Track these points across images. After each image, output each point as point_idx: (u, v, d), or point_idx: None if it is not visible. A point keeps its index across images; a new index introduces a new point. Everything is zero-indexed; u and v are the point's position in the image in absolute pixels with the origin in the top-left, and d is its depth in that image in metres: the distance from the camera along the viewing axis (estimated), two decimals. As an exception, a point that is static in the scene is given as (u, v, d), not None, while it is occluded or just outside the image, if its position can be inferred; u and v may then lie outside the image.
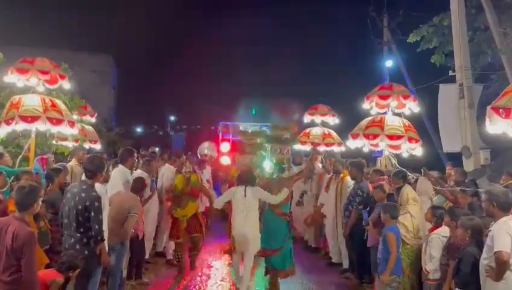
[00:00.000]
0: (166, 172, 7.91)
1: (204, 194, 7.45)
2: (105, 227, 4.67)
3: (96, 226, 4.41)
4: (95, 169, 4.60)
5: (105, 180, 5.02)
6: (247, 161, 12.00)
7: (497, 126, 4.13)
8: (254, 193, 6.17)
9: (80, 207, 4.42)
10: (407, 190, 5.45)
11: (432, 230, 4.88)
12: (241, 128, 13.58)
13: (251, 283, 6.37)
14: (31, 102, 6.76)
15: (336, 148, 10.61)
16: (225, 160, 12.32)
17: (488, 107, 4.14)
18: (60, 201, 5.02)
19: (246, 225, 6.07)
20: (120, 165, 6.04)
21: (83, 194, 4.46)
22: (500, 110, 4.05)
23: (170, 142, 29.54)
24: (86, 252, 4.45)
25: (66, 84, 7.33)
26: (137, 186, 5.80)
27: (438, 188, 6.04)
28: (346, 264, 7.36)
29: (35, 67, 6.92)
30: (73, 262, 4.28)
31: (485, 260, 3.91)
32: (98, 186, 4.72)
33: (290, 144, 10.30)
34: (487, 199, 4.01)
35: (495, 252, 3.74)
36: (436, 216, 4.87)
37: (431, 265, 4.73)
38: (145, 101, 28.29)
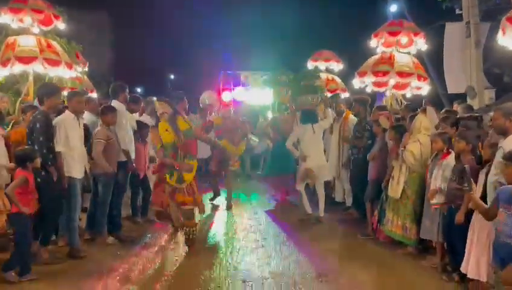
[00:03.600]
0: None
1: (204, 141, 6.36)
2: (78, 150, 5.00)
3: (36, 147, 4.56)
4: (42, 95, 4.80)
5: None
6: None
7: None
8: (319, 128, 7.01)
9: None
10: (421, 118, 5.35)
11: (443, 156, 4.78)
12: (242, 77, 13.34)
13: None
14: (27, 42, 6.67)
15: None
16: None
17: (503, 18, 3.95)
18: None
19: (320, 157, 6.99)
20: (114, 101, 5.93)
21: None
22: (517, 19, 3.84)
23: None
24: (39, 179, 4.54)
25: (61, 25, 7.14)
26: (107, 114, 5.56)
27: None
28: (349, 203, 7.40)
29: (28, 6, 6.75)
30: (26, 152, 4.41)
31: (494, 177, 3.84)
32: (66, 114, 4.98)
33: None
34: (502, 115, 3.87)
35: None
36: (446, 142, 4.79)
37: None
38: (145, 59, 27.77)
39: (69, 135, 4.92)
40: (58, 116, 5.00)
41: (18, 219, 4.30)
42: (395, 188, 5.35)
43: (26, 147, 4.56)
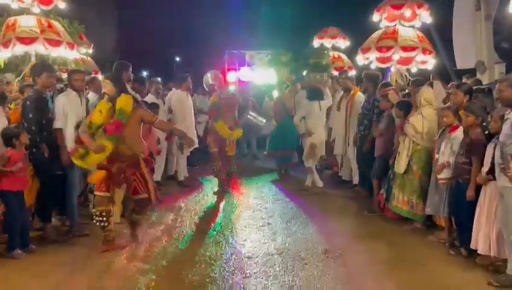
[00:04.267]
0: (175, 97, 7.70)
1: (158, 128, 5.14)
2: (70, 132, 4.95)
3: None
4: (33, 74, 4.93)
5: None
6: None
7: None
8: (325, 105, 7.37)
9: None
10: (424, 90, 5.25)
11: (451, 130, 4.70)
12: (247, 56, 13.18)
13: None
14: (27, 23, 6.60)
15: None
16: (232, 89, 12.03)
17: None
18: None
19: (322, 133, 7.43)
20: None
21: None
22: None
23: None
24: (31, 156, 4.66)
25: (61, 4, 7.01)
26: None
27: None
28: (356, 180, 7.33)
29: (27, -16, 6.61)
30: (10, 131, 4.47)
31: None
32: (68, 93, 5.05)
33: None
34: (509, 86, 3.74)
35: None
36: (456, 116, 4.69)
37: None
38: (150, 41, 27.55)
39: (69, 112, 4.91)
40: (60, 94, 5.07)
41: (4, 197, 4.38)
42: (400, 162, 5.31)
43: (11, 125, 4.68)
